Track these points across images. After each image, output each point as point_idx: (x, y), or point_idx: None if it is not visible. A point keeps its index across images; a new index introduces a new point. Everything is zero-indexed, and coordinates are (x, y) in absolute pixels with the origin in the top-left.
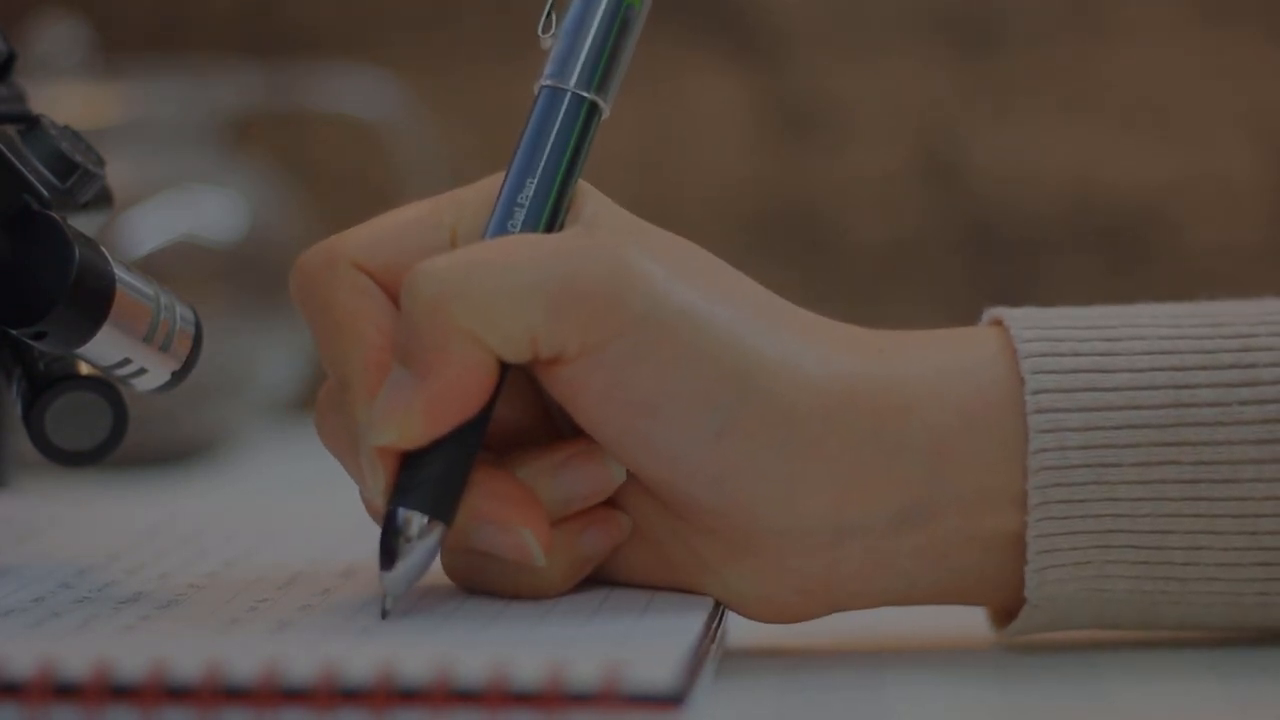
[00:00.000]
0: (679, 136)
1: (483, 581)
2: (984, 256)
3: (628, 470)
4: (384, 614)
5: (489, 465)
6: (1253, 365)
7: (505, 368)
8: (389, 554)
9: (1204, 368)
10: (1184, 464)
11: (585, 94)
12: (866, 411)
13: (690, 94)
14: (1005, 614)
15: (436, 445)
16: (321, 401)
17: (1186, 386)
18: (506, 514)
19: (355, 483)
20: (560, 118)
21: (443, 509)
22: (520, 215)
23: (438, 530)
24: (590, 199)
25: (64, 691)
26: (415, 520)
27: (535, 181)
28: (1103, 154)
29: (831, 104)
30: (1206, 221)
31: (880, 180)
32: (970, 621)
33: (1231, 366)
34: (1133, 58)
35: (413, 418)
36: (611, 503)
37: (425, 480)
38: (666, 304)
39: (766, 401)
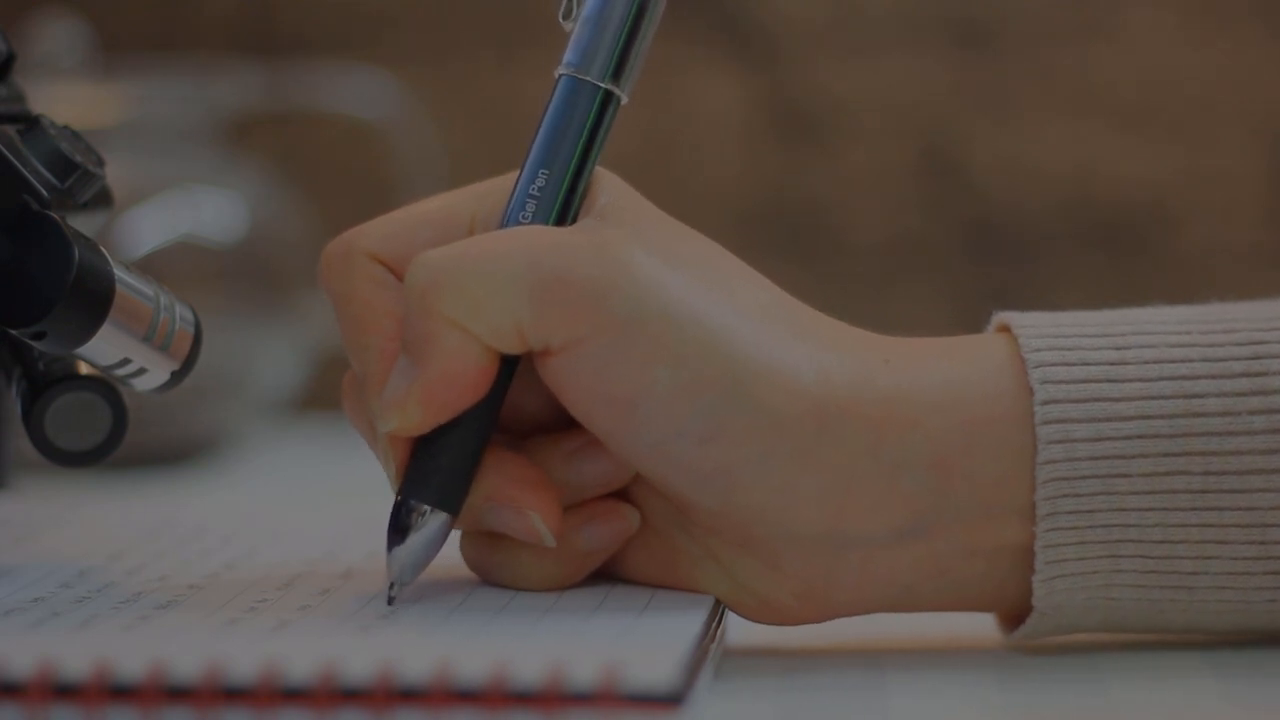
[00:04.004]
0: (679, 136)
1: (495, 572)
2: (984, 255)
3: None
4: (390, 601)
5: (503, 448)
6: (1263, 374)
7: (510, 358)
8: (398, 540)
9: (1213, 376)
10: (1193, 474)
11: (603, 83)
12: (866, 423)
13: (691, 93)
14: (1013, 618)
15: (446, 433)
16: (347, 385)
17: (1196, 395)
18: (518, 496)
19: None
20: (577, 107)
21: (449, 500)
22: (532, 207)
23: (442, 520)
24: (605, 187)
25: (64, 691)
26: (423, 510)
27: (549, 173)
28: (1102, 152)
29: (831, 103)
30: (1206, 219)
31: (880, 179)
32: (971, 622)
33: (1241, 375)
34: (1133, 58)
35: (410, 406)
36: (622, 496)
37: (433, 470)
38: (650, 305)
39: (754, 407)
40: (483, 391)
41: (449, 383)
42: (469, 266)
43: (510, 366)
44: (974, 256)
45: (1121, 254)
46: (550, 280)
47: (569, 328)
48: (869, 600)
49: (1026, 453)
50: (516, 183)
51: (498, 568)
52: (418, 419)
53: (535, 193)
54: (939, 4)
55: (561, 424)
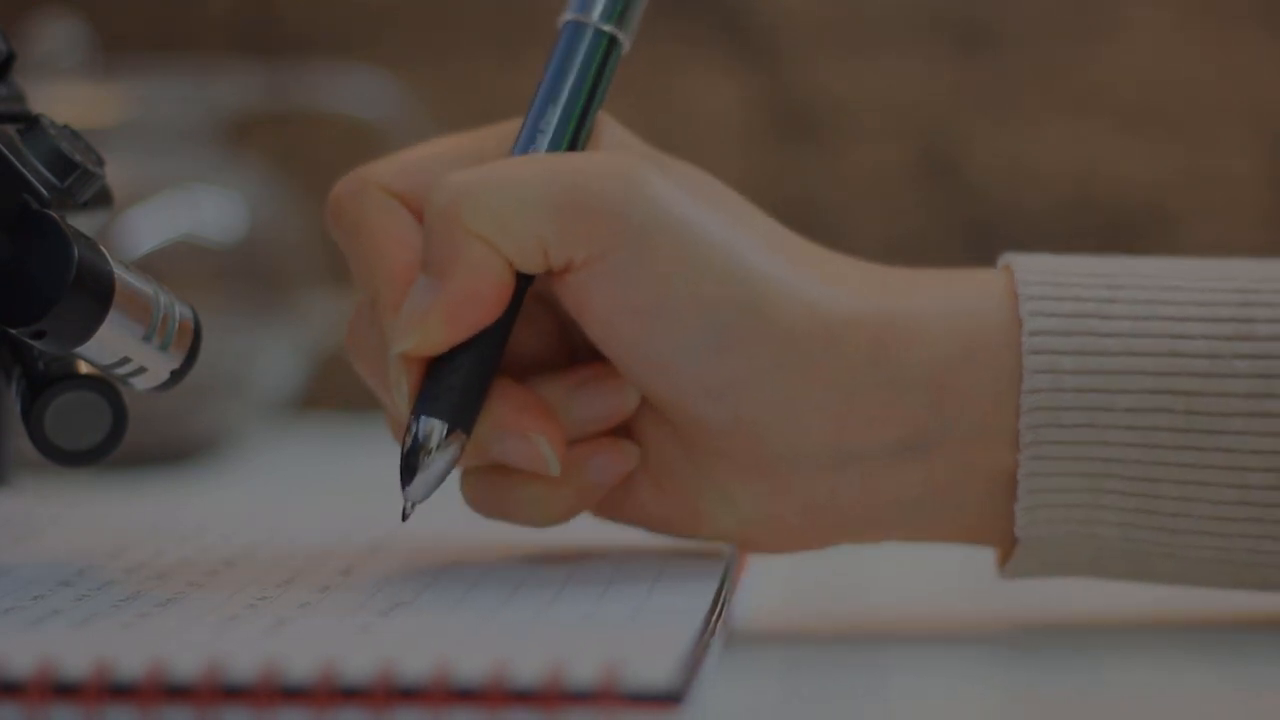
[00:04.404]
0: (679, 136)
1: (499, 507)
2: (983, 255)
3: (640, 399)
4: (405, 517)
5: (507, 379)
6: (1250, 320)
7: (523, 281)
8: (410, 459)
9: (1202, 319)
10: (1176, 412)
11: (605, 27)
12: (869, 339)
13: (690, 93)
14: (1009, 554)
15: (457, 356)
16: (353, 323)
17: (1183, 336)
18: (523, 422)
19: (383, 402)
20: (582, 50)
21: (462, 418)
22: (542, 141)
23: (458, 439)
24: (611, 129)
25: (64, 690)
26: (436, 430)
27: (558, 109)
28: (1102, 153)
29: (831, 103)
30: (1206, 220)
31: (880, 179)
32: (971, 608)
33: (1229, 320)
34: (1133, 57)
35: (432, 322)
36: (624, 432)
37: (447, 389)
38: (669, 215)
39: (766, 320)
40: (500, 311)
41: (472, 298)
42: (494, 184)
43: (521, 292)
44: (974, 257)
45: (1121, 253)
46: (571, 196)
47: (591, 241)
48: (872, 520)
49: (1014, 380)
50: (525, 118)
51: (502, 502)
52: (439, 336)
53: (544, 127)
54: (939, 4)
55: (561, 364)
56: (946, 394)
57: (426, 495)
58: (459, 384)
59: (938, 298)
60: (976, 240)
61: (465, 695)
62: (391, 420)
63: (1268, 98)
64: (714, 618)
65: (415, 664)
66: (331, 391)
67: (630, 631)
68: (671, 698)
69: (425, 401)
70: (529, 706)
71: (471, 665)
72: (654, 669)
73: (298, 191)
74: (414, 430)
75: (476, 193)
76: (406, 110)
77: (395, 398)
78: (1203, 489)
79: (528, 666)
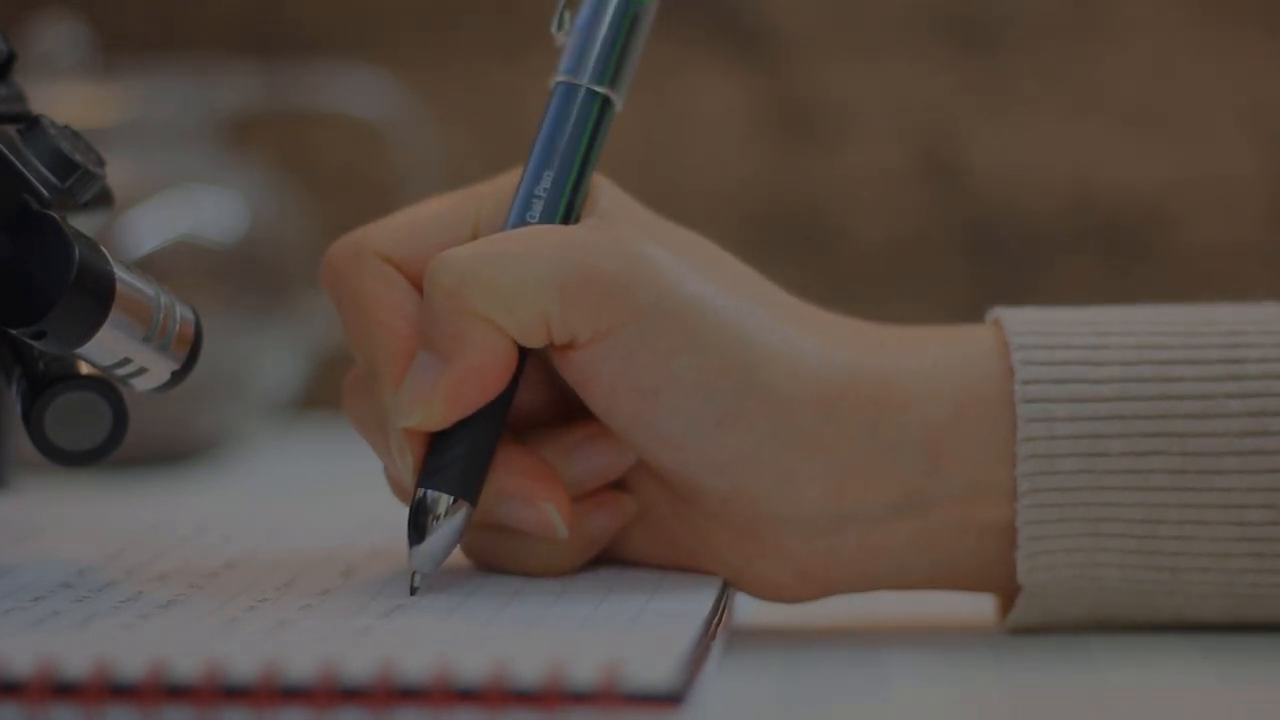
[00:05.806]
0: (680, 136)
1: (498, 560)
2: (984, 256)
3: (636, 456)
4: (413, 591)
5: (511, 444)
6: (1239, 360)
7: (524, 351)
8: (418, 531)
9: (1191, 361)
10: (1171, 454)
11: (599, 89)
12: (865, 405)
13: (691, 94)
14: (1010, 604)
15: (461, 426)
16: (349, 385)
17: (1174, 379)
18: (530, 489)
19: (383, 462)
20: (575, 112)
21: (468, 489)
22: (538, 207)
23: (464, 510)
24: (605, 192)
25: (64, 691)
26: (443, 500)
27: (552, 174)
28: (1102, 153)
29: (831, 104)
30: (1206, 220)
31: (880, 180)
32: (968, 605)
33: (1219, 361)
34: (1133, 58)
35: (436, 401)
36: (620, 485)
37: (451, 461)
38: (675, 295)
39: (767, 392)
40: (504, 385)
41: (477, 377)
42: (498, 264)
43: (523, 363)
44: (974, 257)
45: (1121, 254)
46: (578, 276)
47: (597, 320)
48: (865, 576)
49: (1009, 433)
50: (520, 183)
51: (503, 555)
52: (442, 413)
53: (540, 193)
54: (939, 4)
55: (557, 419)
56: (942, 455)
57: (435, 567)
58: (463, 454)
59: (928, 356)
60: (976, 240)
61: (465, 695)
62: (391, 480)
63: (1268, 98)
64: (715, 619)
65: (415, 664)
66: (331, 391)
67: (631, 632)
68: (672, 698)
69: (430, 474)
70: (529, 707)
71: (472, 665)
72: (654, 669)
73: (298, 191)
74: (420, 503)
75: (480, 273)
76: (406, 110)
77: (399, 467)
78: (1202, 527)
79: (528, 667)
